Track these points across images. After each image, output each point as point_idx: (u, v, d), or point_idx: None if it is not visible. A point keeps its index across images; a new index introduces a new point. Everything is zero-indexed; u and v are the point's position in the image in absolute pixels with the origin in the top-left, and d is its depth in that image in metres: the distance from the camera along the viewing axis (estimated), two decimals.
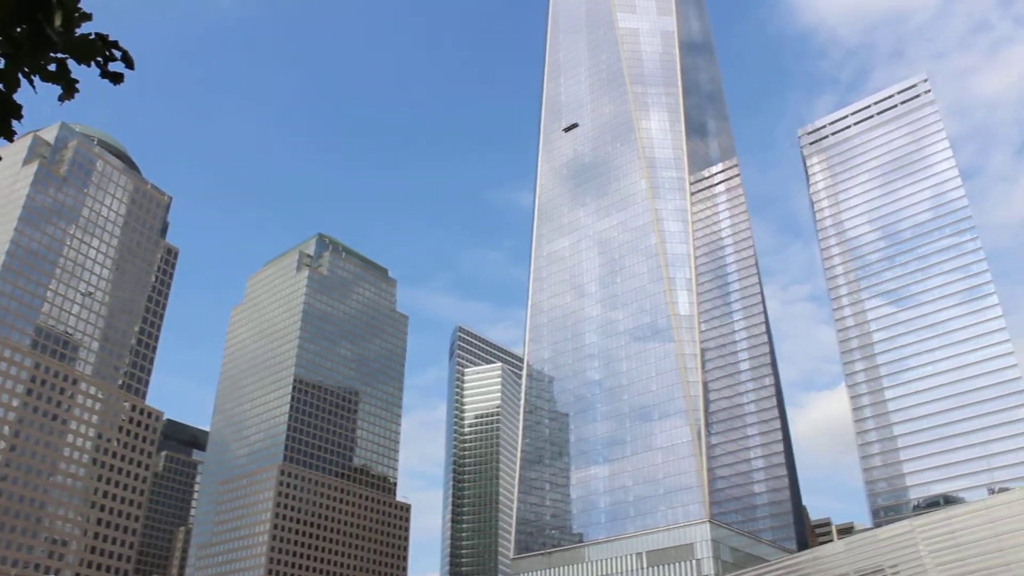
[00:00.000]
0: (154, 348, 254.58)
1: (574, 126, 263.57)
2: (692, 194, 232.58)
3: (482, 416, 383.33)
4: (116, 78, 6.84)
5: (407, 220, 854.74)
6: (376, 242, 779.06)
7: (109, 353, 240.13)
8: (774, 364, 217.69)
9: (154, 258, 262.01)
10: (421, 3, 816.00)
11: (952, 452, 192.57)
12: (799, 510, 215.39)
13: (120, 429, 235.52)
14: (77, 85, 6.72)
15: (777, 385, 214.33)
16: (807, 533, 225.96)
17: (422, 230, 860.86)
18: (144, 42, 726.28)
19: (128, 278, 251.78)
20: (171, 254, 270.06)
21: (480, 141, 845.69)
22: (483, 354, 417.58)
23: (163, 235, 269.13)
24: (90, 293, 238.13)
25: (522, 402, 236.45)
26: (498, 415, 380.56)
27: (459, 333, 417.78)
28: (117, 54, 6.72)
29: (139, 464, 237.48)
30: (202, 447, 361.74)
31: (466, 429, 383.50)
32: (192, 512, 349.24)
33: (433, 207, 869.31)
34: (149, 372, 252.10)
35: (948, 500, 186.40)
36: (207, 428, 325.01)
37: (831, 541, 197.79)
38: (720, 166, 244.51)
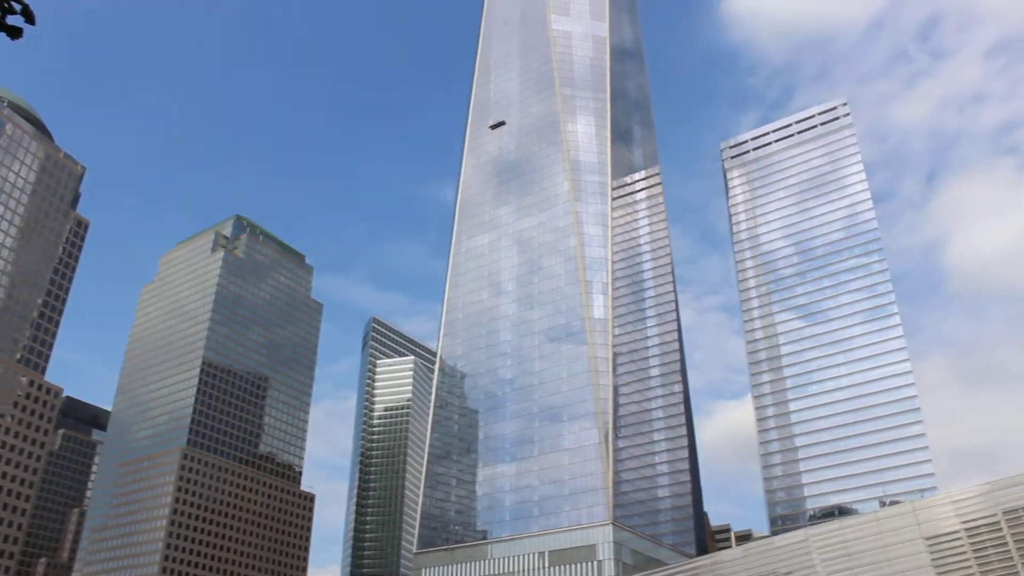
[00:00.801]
0: (57, 322, 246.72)
1: (501, 123, 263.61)
2: (614, 199, 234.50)
3: (392, 409, 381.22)
4: (14, 32, 6.32)
5: (330, 208, 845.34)
6: (296, 228, 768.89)
7: (7, 325, 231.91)
8: (684, 371, 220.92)
9: (63, 229, 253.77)
10: None
11: (849, 465, 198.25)
12: (700, 516, 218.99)
13: (15, 404, 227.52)
14: None
15: (686, 392, 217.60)
16: (707, 538, 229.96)
17: (344, 219, 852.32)
18: (67, 6, 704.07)
19: (34, 248, 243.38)
20: (81, 226, 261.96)
21: (409, 135, 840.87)
22: (397, 346, 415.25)
23: (74, 206, 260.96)
24: None
25: (433, 397, 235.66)
26: (408, 408, 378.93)
27: (373, 324, 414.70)
28: (16, 7, 6.20)
29: (34, 442, 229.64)
30: (103, 427, 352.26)
31: (375, 421, 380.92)
32: (88, 494, 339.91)
33: (357, 197, 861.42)
34: (50, 347, 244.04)
35: (842, 511, 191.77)
36: (109, 408, 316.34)
37: (730, 547, 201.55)
38: (643, 173, 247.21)
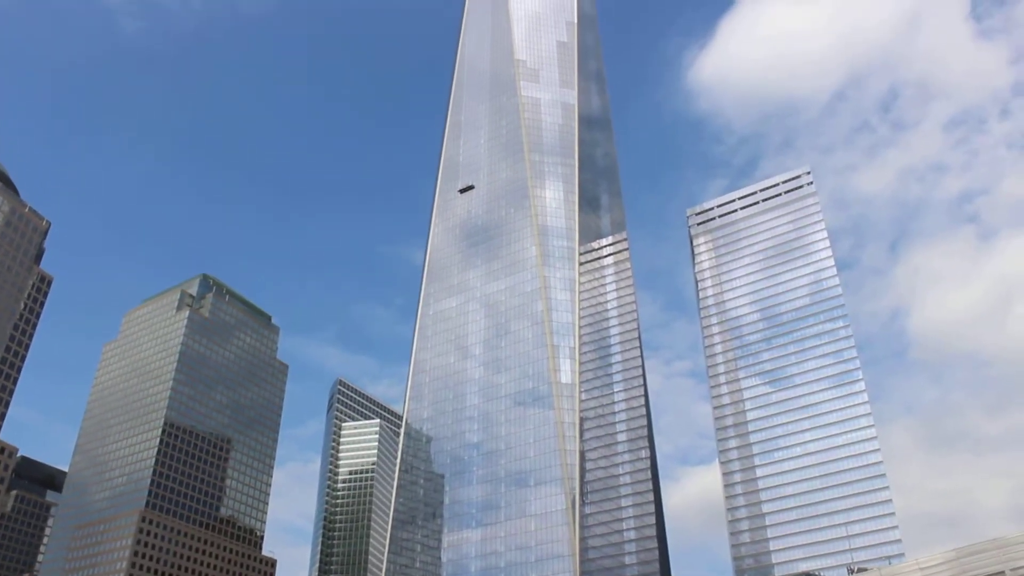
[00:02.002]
0: (15, 380, 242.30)
1: (470, 188, 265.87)
2: (581, 264, 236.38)
3: (357, 472, 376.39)
4: None
5: (297, 269, 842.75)
6: (263, 288, 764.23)
7: None
8: (651, 437, 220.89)
9: (25, 285, 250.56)
10: (325, 53, 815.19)
11: (816, 531, 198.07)
12: None
13: None
14: None
15: (653, 458, 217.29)
16: None
17: (312, 280, 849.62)
18: (39, 60, 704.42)
19: None
20: (44, 282, 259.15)
21: (377, 196, 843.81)
22: (362, 409, 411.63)
23: (37, 261, 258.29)
24: None
25: (398, 461, 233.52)
26: (373, 472, 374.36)
27: (339, 386, 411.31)
28: None
29: None
30: (58, 488, 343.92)
31: (339, 485, 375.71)
32: (40, 558, 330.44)
33: (325, 258, 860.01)
34: (7, 405, 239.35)
35: None
36: (65, 468, 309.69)
37: None
38: (610, 239, 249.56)
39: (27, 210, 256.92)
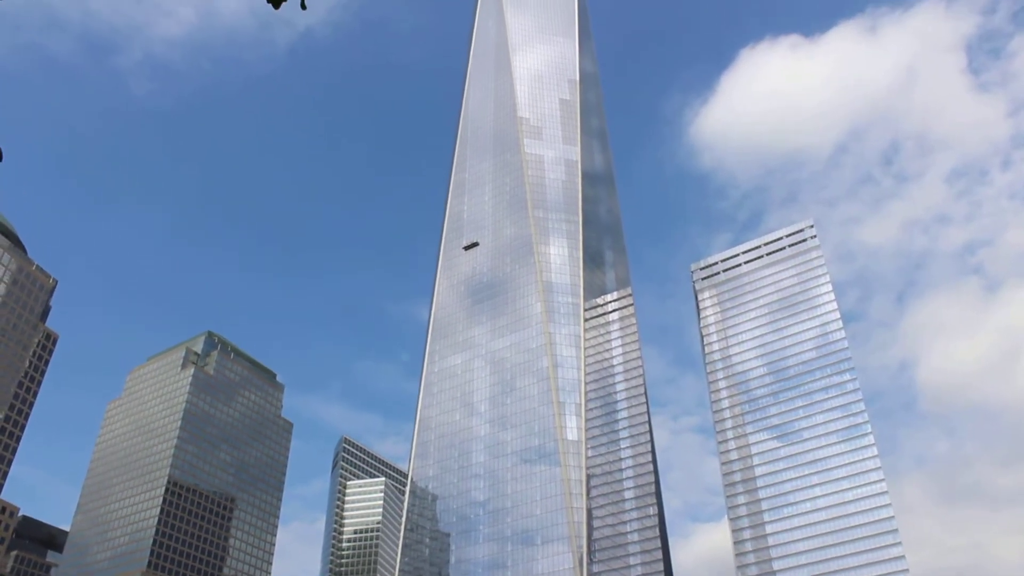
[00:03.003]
0: (18, 438, 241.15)
1: (474, 245, 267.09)
2: (586, 320, 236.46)
3: (361, 531, 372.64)
4: None
5: (303, 326, 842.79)
6: (268, 345, 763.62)
7: None
8: (659, 494, 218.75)
9: (31, 342, 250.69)
10: (329, 112, 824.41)
11: None
12: None
13: None
14: None
15: (661, 515, 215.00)
16: None
17: (317, 337, 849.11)
18: (49, 120, 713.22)
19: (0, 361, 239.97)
20: (50, 340, 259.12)
21: (382, 253, 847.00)
22: (367, 467, 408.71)
23: (43, 319, 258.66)
24: None
25: (403, 519, 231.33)
26: (378, 531, 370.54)
27: (344, 444, 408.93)
28: None
29: None
30: (59, 548, 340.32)
31: (344, 544, 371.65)
32: None
33: (330, 315, 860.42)
34: (9, 464, 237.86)
35: None
36: (67, 528, 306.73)
37: None
38: (615, 295, 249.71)
39: (34, 268, 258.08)
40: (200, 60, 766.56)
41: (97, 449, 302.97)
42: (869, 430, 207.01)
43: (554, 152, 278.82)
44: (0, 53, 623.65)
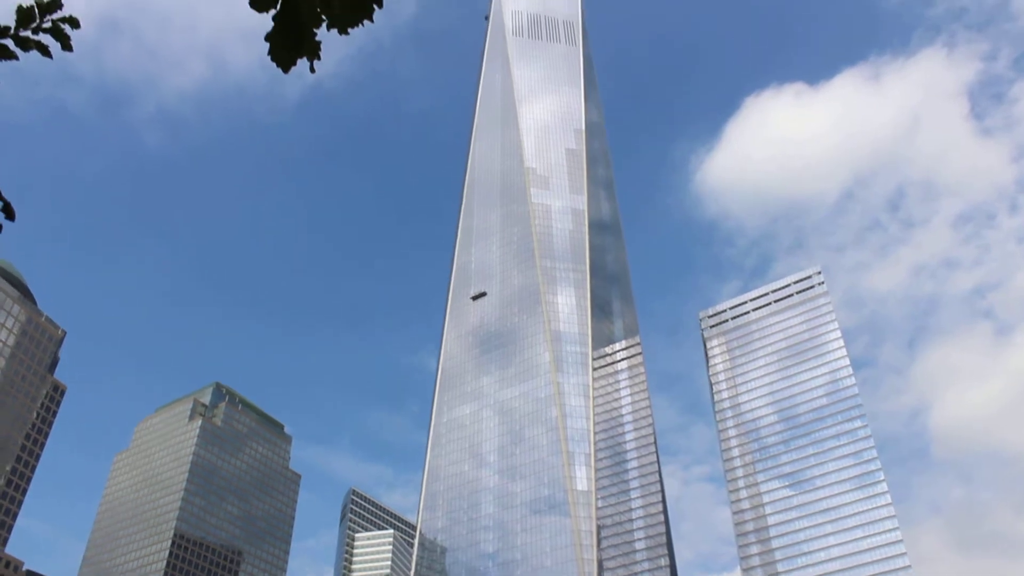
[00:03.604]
0: (24, 491, 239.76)
1: (482, 295, 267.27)
2: (595, 370, 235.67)
3: None
4: None
5: (310, 375, 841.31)
6: (275, 396, 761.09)
7: None
8: (670, 544, 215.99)
9: (38, 394, 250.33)
10: (337, 161, 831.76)
11: None
12: None
13: None
14: None
15: (672, 565, 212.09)
16: None
17: (325, 387, 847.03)
18: (61, 172, 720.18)
19: (7, 413, 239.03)
20: (58, 391, 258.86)
21: (389, 303, 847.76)
22: (376, 519, 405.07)
23: (52, 371, 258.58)
24: None
25: (412, 572, 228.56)
26: None
27: (352, 496, 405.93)
28: None
29: None
30: None
31: None
32: None
33: (338, 364, 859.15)
34: (15, 517, 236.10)
35: None
36: None
37: None
38: (623, 344, 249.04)
39: (43, 319, 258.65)
40: (211, 112, 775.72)
41: (104, 502, 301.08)
42: (882, 477, 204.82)
43: (561, 202, 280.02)
44: (18, 107, 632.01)
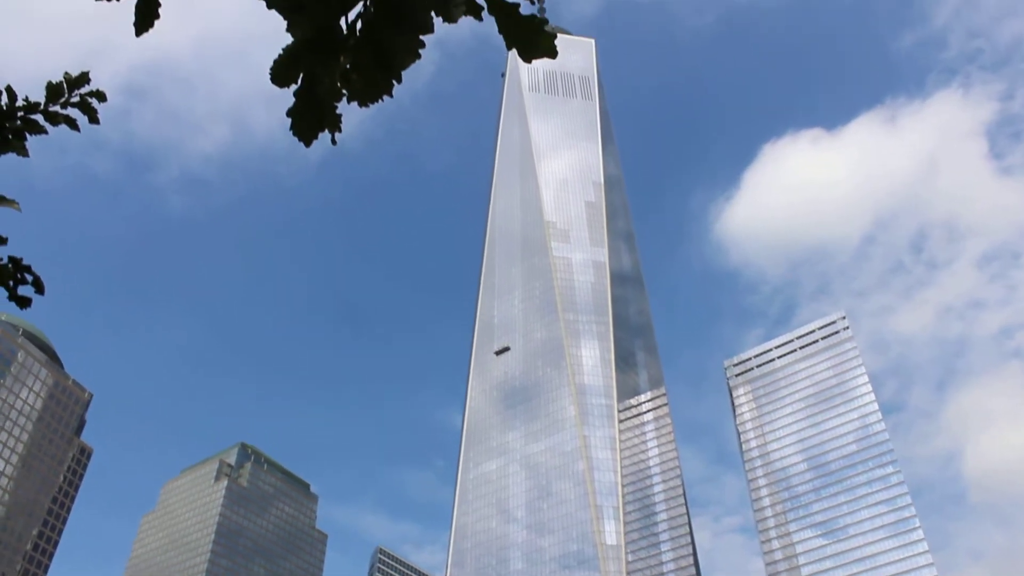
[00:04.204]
0: (51, 555, 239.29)
1: (506, 349, 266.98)
2: (621, 422, 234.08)
3: None
4: (23, 302, 6.85)
5: (336, 433, 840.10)
6: (301, 454, 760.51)
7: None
8: None
9: (65, 457, 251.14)
10: (359, 219, 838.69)
11: None
12: None
13: None
14: None
15: None
16: None
17: (351, 445, 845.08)
18: (87, 234, 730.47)
19: (34, 476, 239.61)
20: (84, 454, 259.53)
21: (414, 360, 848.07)
22: None
23: (78, 433, 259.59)
24: None
25: None
26: None
27: (379, 555, 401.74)
28: (28, 278, 6.79)
29: None
30: None
31: None
32: None
33: (363, 423, 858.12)
34: None
35: None
36: None
37: None
38: (649, 395, 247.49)
39: (70, 383, 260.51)
40: (233, 174, 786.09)
41: (130, 564, 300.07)
42: (917, 524, 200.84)
43: (582, 255, 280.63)
44: (45, 174, 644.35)
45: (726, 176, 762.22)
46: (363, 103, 4.85)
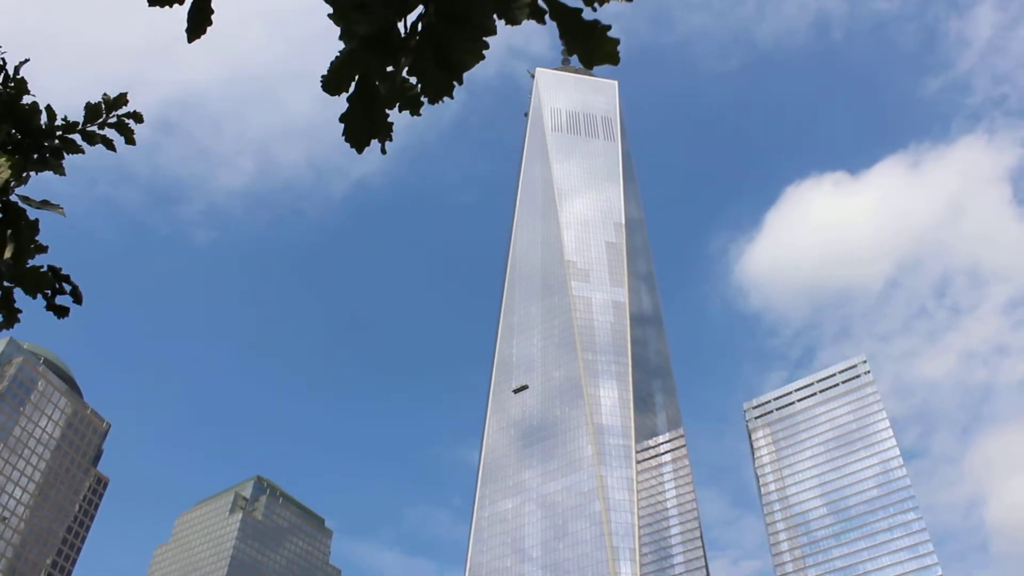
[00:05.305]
0: None
1: (524, 387, 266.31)
2: (638, 463, 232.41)
3: None
4: (61, 311, 6.91)
5: (352, 469, 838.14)
6: (317, 489, 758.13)
7: None
8: None
9: (82, 487, 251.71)
10: (380, 257, 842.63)
11: None
12: None
13: None
14: (19, 315, 6.79)
15: None
16: None
17: (367, 481, 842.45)
18: (110, 267, 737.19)
19: (50, 505, 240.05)
20: (100, 484, 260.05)
21: (431, 396, 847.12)
22: None
23: (95, 463, 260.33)
24: (4, 519, 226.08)
25: None
26: None
27: None
28: (67, 287, 6.86)
29: None
30: None
31: None
32: None
33: (380, 458, 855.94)
34: None
35: None
36: None
37: None
38: (667, 436, 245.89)
39: (89, 412, 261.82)
40: (258, 209, 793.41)
41: None
42: (940, 572, 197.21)
43: (602, 295, 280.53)
44: (72, 204, 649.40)
45: (748, 218, 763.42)
46: (415, 110, 4.86)
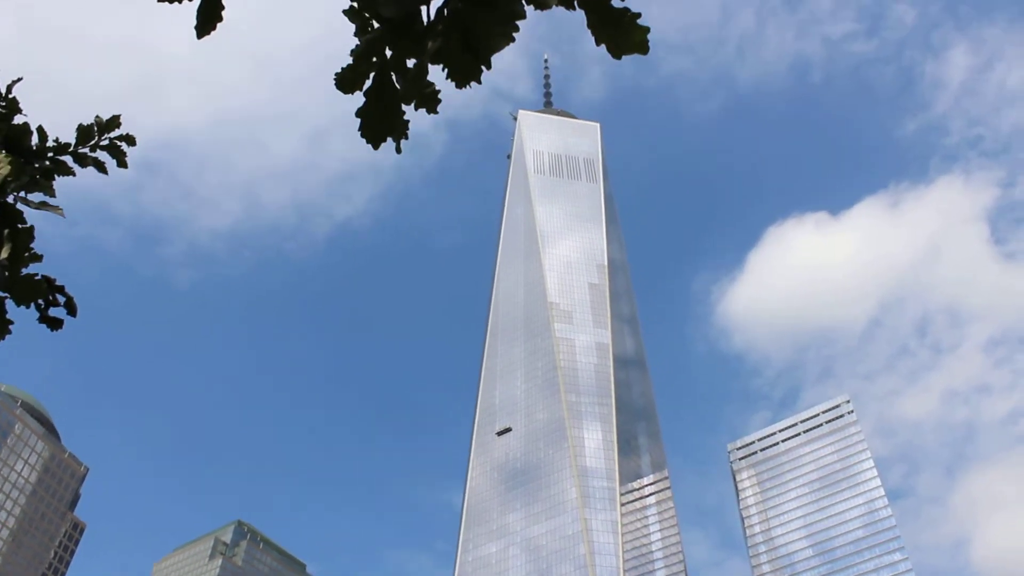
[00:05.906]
0: None
1: (507, 430, 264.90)
2: (623, 505, 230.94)
3: None
4: (55, 323, 6.67)
5: (334, 514, 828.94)
6: (298, 533, 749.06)
7: None
8: None
9: (58, 532, 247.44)
10: (362, 297, 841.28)
11: None
12: None
13: None
14: (11, 327, 6.54)
15: None
16: None
17: (349, 525, 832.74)
18: (91, 308, 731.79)
19: (24, 552, 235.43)
20: (77, 529, 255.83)
21: (413, 440, 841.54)
22: None
23: (72, 508, 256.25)
24: None
25: None
26: None
27: None
28: (61, 299, 6.62)
29: None
30: None
31: None
32: None
33: (362, 502, 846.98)
34: None
35: None
36: None
37: None
38: (651, 478, 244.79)
39: (67, 456, 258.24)
40: (242, 250, 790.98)
41: None
42: None
43: (585, 336, 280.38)
44: (55, 244, 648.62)
45: (730, 258, 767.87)
46: (431, 109, 4.80)
